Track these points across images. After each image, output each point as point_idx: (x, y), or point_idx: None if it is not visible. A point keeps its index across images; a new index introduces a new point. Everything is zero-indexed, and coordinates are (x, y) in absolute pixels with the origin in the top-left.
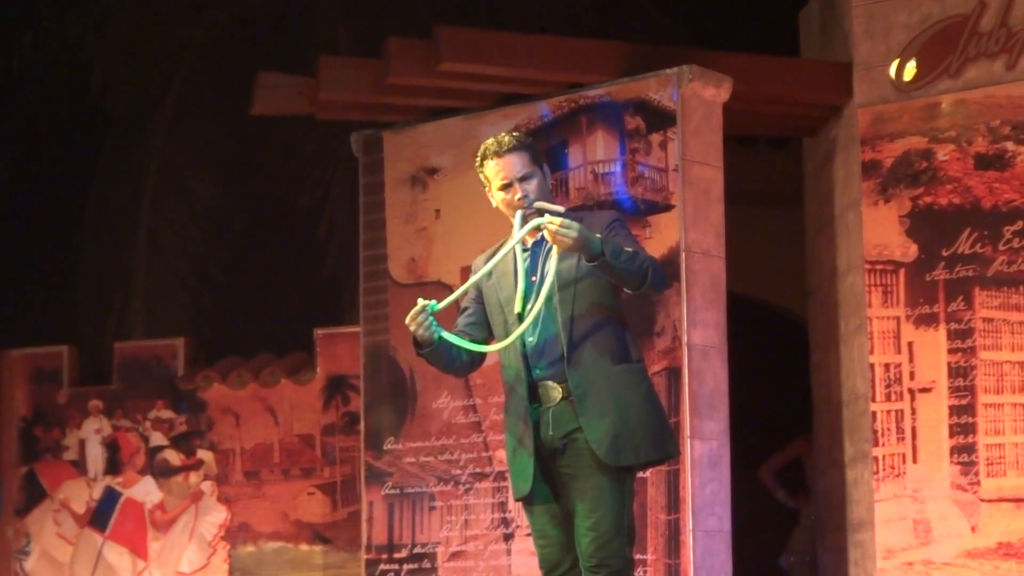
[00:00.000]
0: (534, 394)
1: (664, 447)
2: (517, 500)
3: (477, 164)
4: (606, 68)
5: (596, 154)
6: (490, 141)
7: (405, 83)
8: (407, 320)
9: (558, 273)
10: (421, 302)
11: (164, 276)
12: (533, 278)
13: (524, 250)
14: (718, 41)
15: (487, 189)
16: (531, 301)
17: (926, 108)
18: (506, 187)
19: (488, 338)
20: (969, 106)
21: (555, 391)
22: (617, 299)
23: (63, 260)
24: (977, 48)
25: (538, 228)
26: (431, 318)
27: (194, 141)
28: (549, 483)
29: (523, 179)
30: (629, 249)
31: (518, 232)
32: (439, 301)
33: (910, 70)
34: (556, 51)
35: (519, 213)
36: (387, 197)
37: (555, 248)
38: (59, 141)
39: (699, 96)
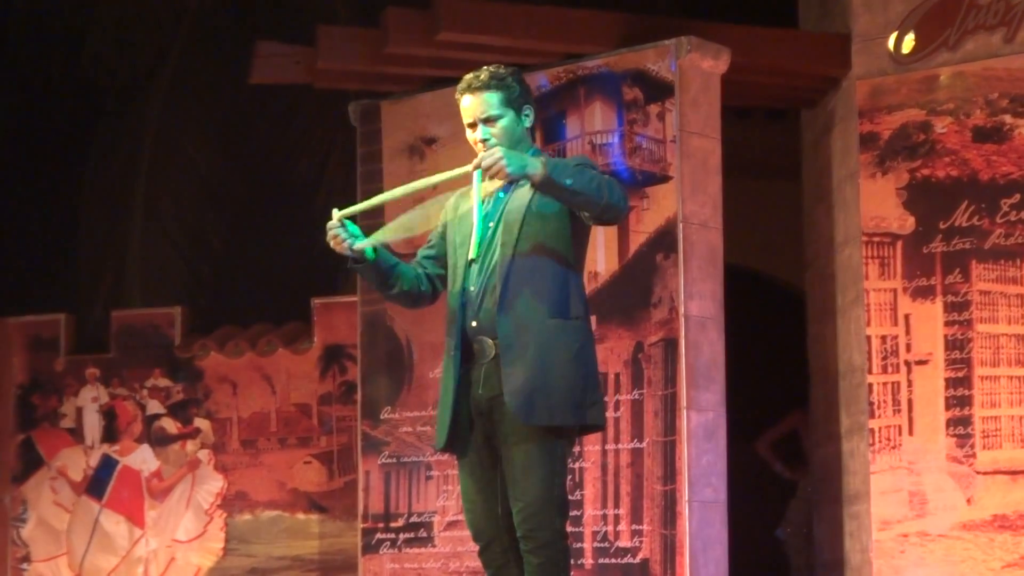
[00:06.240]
0: (469, 349)
1: (584, 413)
2: (437, 450)
3: (456, 96)
4: (604, 39)
5: (594, 125)
6: (468, 75)
7: (403, 53)
8: (328, 239)
9: (505, 213)
10: (335, 213)
11: (161, 245)
12: (491, 224)
13: (487, 194)
14: (716, 12)
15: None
16: (483, 247)
17: (924, 81)
18: (471, 126)
19: (442, 275)
20: (967, 79)
21: (489, 348)
22: (571, 247)
23: (60, 228)
24: (975, 21)
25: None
26: (346, 229)
27: (191, 110)
28: (480, 446)
29: (487, 120)
30: (579, 165)
31: (476, 184)
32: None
33: (908, 42)
34: (554, 21)
35: (476, 162)
36: (385, 167)
37: (515, 192)
38: (56, 109)
39: (697, 67)
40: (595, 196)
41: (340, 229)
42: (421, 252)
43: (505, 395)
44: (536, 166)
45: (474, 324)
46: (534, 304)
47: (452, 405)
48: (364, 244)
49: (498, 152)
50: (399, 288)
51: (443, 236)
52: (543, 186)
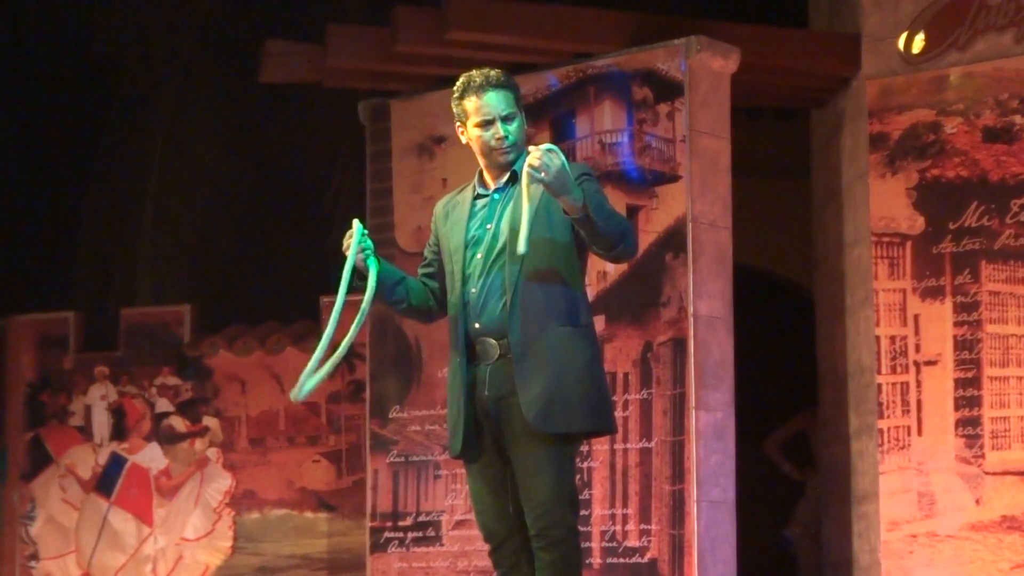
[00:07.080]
0: (472, 351)
1: (601, 420)
2: (453, 458)
3: (455, 96)
4: (614, 38)
5: (603, 124)
6: (476, 73)
7: (412, 51)
8: (344, 244)
9: (512, 219)
10: (357, 223)
11: (170, 243)
12: (488, 226)
13: (479, 197)
14: (726, 12)
15: (459, 123)
16: (481, 251)
17: (934, 81)
18: (487, 124)
19: (444, 289)
20: (977, 79)
21: (493, 348)
22: (577, 255)
23: (70, 226)
24: (986, 21)
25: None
26: (367, 240)
27: (201, 108)
28: (487, 448)
29: (506, 119)
30: (609, 207)
31: (524, 176)
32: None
33: (918, 42)
34: (564, 21)
35: (525, 168)
36: (394, 166)
37: (514, 197)
38: (66, 107)
39: (707, 67)
40: (614, 241)
41: (362, 239)
42: (421, 271)
43: (522, 404)
44: (578, 197)
45: (477, 326)
46: (545, 312)
47: (464, 410)
48: (370, 266)
49: (558, 161)
50: (407, 303)
51: (435, 249)
52: (577, 220)
